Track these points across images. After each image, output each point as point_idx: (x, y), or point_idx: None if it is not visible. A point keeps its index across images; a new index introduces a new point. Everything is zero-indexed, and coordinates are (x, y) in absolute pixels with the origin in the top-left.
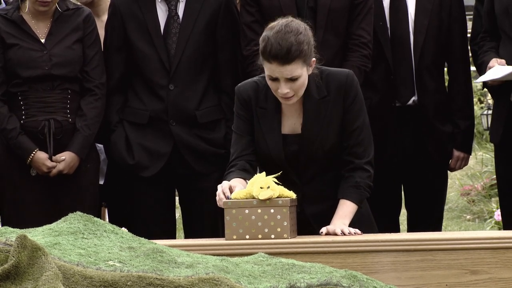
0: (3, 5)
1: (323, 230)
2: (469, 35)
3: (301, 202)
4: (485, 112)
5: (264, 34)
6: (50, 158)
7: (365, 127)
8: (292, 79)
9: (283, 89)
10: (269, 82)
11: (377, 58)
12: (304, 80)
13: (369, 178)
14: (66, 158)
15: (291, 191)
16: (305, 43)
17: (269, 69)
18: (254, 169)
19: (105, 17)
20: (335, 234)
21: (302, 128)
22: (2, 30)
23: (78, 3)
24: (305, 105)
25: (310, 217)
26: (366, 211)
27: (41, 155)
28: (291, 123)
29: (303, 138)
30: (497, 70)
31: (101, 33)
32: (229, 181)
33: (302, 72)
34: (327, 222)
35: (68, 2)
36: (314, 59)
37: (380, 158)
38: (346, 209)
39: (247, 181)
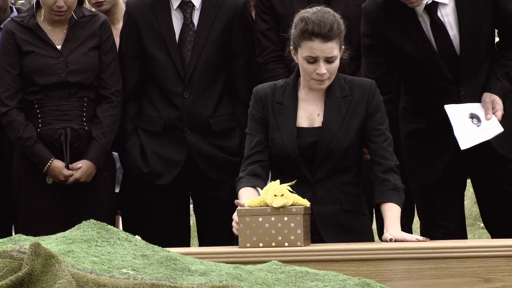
0: (15, 13)
1: (388, 237)
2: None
3: (311, 200)
4: None
5: (299, 16)
6: (67, 167)
7: (389, 133)
8: (330, 61)
9: (322, 69)
10: (305, 66)
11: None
12: (337, 64)
13: (401, 181)
14: (82, 166)
15: (305, 199)
16: (342, 25)
17: (310, 48)
18: (265, 169)
19: (120, 25)
20: (405, 241)
21: (322, 122)
22: (18, 37)
23: (94, 10)
24: (327, 101)
25: (316, 216)
26: (365, 223)
27: (57, 164)
28: (309, 116)
29: (322, 131)
30: (482, 132)
31: (117, 41)
32: (238, 191)
33: (338, 54)
34: (332, 225)
35: (84, 9)
36: (343, 47)
37: None
38: (396, 213)
39: (258, 188)
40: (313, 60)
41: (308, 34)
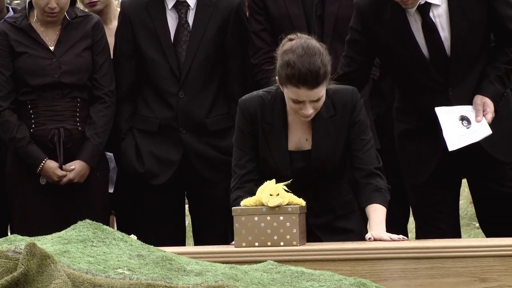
0: (11, 13)
1: (368, 236)
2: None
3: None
4: None
5: (285, 58)
6: (60, 167)
7: (371, 138)
8: (316, 101)
9: (308, 111)
10: (291, 104)
11: (387, 70)
12: (324, 99)
13: (385, 182)
14: (76, 167)
15: (301, 199)
16: (328, 63)
17: (295, 93)
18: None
19: (112, 25)
20: (382, 240)
21: (312, 146)
22: (11, 38)
23: (87, 10)
24: (314, 124)
25: (315, 228)
26: (359, 218)
27: (51, 164)
28: (297, 140)
29: (312, 156)
30: (472, 133)
31: (110, 41)
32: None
33: (324, 90)
34: (331, 233)
35: (76, 9)
36: (329, 76)
37: (388, 166)
38: (379, 214)
39: None
40: (298, 102)
41: (294, 81)
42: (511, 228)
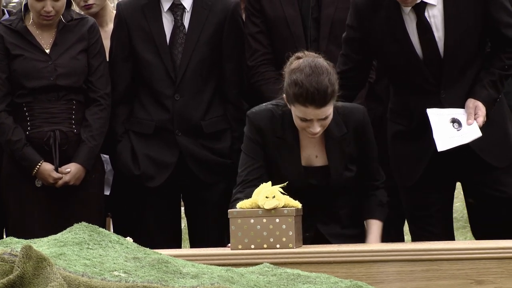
0: (7, 15)
1: None
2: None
3: (314, 222)
4: None
5: (293, 77)
6: (56, 169)
7: (374, 152)
8: (324, 118)
9: (316, 129)
10: (298, 122)
11: (381, 69)
12: (331, 117)
13: (387, 195)
14: (72, 170)
15: (297, 201)
16: (335, 82)
17: (303, 112)
18: None
19: (108, 28)
20: None
21: (329, 165)
22: (6, 41)
23: (82, 13)
24: (327, 142)
25: (327, 235)
26: (363, 226)
27: (46, 167)
28: (307, 156)
29: (326, 174)
30: (461, 135)
31: (106, 43)
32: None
33: (332, 109)
34: (342, 240)
35: (72, 12)
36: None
37: (384, 168)
38: (378, 230)
39: None
40: (306, 120)
41: (302, 100)
42: (502, 231)
